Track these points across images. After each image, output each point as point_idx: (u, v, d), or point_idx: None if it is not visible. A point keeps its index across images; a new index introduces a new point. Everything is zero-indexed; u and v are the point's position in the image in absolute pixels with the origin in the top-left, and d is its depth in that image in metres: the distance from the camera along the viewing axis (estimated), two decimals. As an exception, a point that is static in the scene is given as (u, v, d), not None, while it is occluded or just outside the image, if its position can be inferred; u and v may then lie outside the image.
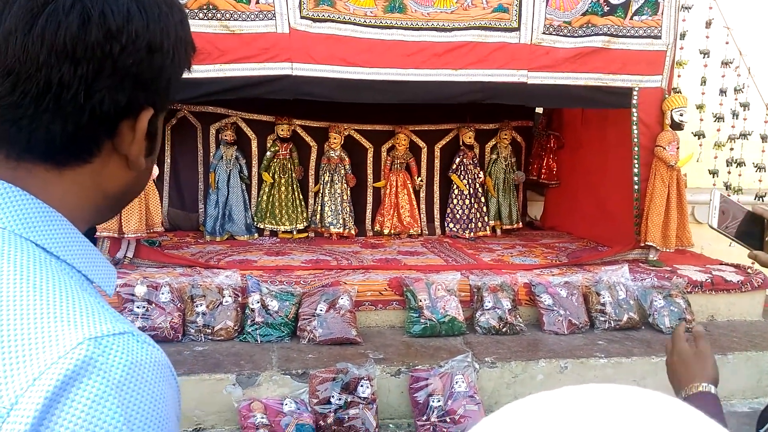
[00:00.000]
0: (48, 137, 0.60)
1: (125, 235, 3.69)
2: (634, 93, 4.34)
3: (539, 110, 5.82)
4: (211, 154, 5.05)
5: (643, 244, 4.40)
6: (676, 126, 4.32)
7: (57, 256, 0.60)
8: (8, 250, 0.57)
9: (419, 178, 5.34)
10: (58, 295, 0.55)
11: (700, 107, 4.71)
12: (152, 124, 0.66)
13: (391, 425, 3.02)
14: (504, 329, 3.56)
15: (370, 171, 5.34)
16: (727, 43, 4.76)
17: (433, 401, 2.95)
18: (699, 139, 4.67)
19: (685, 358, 1.31)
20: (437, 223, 5.44)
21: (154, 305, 3.30)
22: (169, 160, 5.10)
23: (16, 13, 0.57)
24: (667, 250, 4.36)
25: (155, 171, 3.91)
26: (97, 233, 3.64)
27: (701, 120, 4.72)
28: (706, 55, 4.65)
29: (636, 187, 4.40)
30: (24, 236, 0.59)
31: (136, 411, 0.51)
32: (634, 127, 4.37)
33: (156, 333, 3.22)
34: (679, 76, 4.58)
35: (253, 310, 3.39)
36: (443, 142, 5.45)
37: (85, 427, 0.49)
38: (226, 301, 3.42)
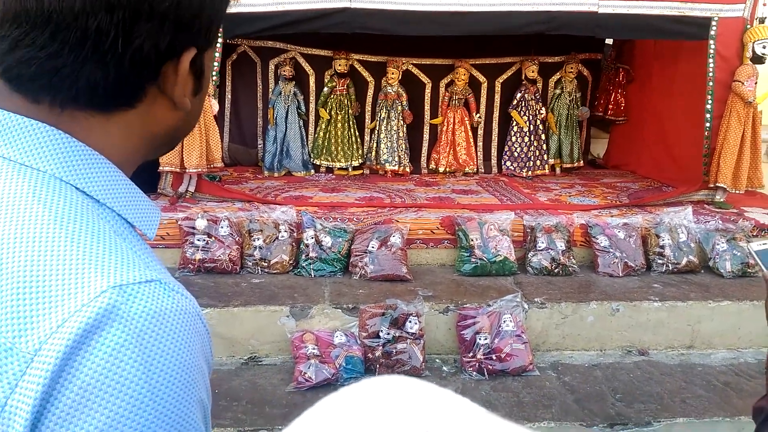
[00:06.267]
0: (91, 85, 0.60)
1: (187, 170, 3.82)
2: (713, 23, 4.05)
3: (609, 41, 5.51)
4: (270, 89, 5.09)
5: (711, 185, 4.20)
6: (758, 59, 4.03)
7: (97, 199, 0.61)
8: (46, 195, 0.58)
9: (478, 115, 5.21)
10: (90, 242, 0.56)
11: (786, 38, 4.33)
12: (197, 62, 0.64)
13: (437, 360, 3.10)
14: (556, 270, 3.53)
15: (427, 107, 5.25)
16: (822, -35, 4.31)
17: (479, 339, 3.00)
18: (782, 73, 4.32)
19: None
20: (494, 161, 5.33)
21: (213, 238, 3.45)
22: (229, 96, 5.18)
23: None
24: (737, 192, 4.15)
25: (215, 107, 4.00)
26: (160, 168, 3.79)
27: (786, 52, 4.35)
28: (798, -20, 4.24)
29: (708, 124, 4.16)
30: (64, 179, 0.60)
31: (157, 360, 0.52)
32: (711, 60, 4.09)
33: (215, 265, 3.38)
34: (764, 4, 4.21)
35: (307, 246, 3.49)
36: (505, 76, 5.27)
37: (105, 375, 0.50)
38: (282, 236, 3.53)
